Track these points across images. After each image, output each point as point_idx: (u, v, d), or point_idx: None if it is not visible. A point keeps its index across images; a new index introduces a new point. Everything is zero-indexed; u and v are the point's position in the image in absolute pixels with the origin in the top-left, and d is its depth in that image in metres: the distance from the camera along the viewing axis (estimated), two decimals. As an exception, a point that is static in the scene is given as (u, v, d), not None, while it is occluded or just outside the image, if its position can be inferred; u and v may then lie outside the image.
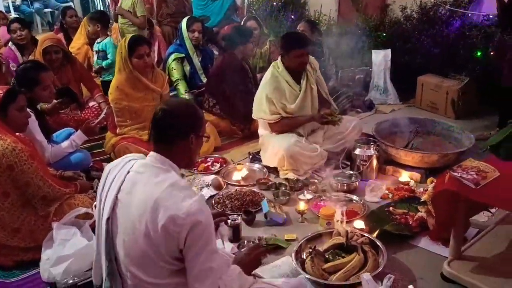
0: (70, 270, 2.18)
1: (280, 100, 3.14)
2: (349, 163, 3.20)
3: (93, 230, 2.42)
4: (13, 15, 8.04)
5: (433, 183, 2.37)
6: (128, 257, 1.60)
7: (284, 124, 3.18)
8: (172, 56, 4.23)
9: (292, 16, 5.41)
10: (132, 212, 1.58)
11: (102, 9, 8.79)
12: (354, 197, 2.83)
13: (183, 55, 4.25)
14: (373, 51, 4.51)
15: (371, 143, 3.12)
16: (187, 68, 4.28)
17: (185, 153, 1.68)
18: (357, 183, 2.96)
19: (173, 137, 1.65)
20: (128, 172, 1.65)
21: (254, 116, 3.30)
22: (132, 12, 4.80)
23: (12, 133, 2.37)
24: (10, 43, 4.30)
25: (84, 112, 4.07)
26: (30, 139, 2.66)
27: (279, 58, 3.26)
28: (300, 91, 3.18)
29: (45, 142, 2.94)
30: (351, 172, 3.07)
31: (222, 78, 3.85)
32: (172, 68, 4.21)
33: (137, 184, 1.61)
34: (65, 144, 3.07)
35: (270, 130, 3.24)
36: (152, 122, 1.68)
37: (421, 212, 2.51)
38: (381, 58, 4.48)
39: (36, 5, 9.02)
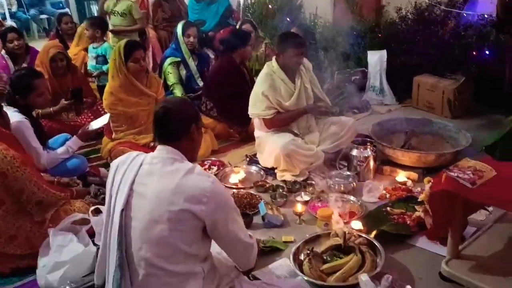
0: (67, 276, 2.16)
1: (276, 97, 3.15)
2: (346, 164, 3.19)
3: (90, 236, 2.42)
4: (9, 21, 8.04)
5: (430, 183, 2.36)
6: (146, 244, 1.66)
7: (279, 119, 3.20)
8: (168, 60, 4.23)
9: (288, 19, 5.41)
10: (150, 201, 1.66)
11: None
12: (352, 198, 2.82)
13: (179, 59, 4.26)
14: (368, 52, 4.52)
15: (368, 144, 3.12)
16: (183, 72, 4.28)
17: (190, 145, 1.81)
18: (354, 183, 2.95)
19: (177, 131, 1.77)
20: (141, 165, 1.74)
21: (250, 113, 3.30)
22: (127, 14, 4.80)
23: (3, 140, 2.36)
24: (3, 52, 4.28)
25: (80, 117, 4.07)
26: (24, 145, 2.65)
27: (274, 58, 3.28)
28: (295, 89, 3.20)
29: (40, 148, 2.92)
30: (348, 173, 3.06)
31: (220, 82, 3.85)
32: (168, 72, 4.21)
33: (153, 174, 1.70)
34: (60, 150, 3.06)
35: (265, 129, 3.24)
36: (154, 121, 1.80)
37: (419, 211, 2.50)
38: (376, 59, 4.49)
39: (32, 11, 9.02)
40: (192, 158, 1.85)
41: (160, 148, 1.77)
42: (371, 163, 3.07)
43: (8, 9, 8.84)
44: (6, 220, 2.30)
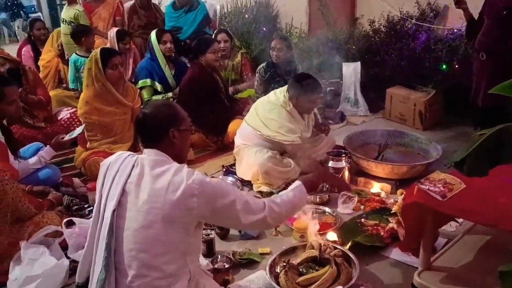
0: (39, 290, 2.12)
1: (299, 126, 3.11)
2: (321, 175, 3.22)
3: (63, 248, 2.38)
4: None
5: (403, 195, 2.43)
6: (141, 244, 1.65)
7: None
8: (140, 83, 4.18)
9: (264, 29, 5.47)
10: (143, 201, 1.67)
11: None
12: (327, 209, 2.86)
13: (149, 83, 4.20)
14: (343, 63, 4.60)
15: (343, 155, 3.17)
16: (160, 85, 4.25)
17: (172, 148, 1.80)
18: (329, 195, 2.99)
19: (156, 135, 1.79)
20: (133, 166, 1.74)
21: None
22: (75, 23, 4.73)
23: None
24: None
25: (53, 125, 3.99)
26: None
27: (287, 96, 3.13)
28: (306, 127, 3.21)
29: (11, 158, 2.86)
30: (323, 184, 3.09)
31: (191, 88, 3.82)
32: (142, 90, 4.17)
33: (145, 175, 1.71)
34: (32, 160, 2.99)
35: (248, 141, 3.24)
36: (135, 125, 1.88)
37: (392, 223, 2.56)
38: (351, 70, 4.57)
39: (2, 15, 8.83)
40: (179, 159, 1.84)
41: (146, 151, 1.80)
42: (346, 174, 3.12)
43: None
44: None
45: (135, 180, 1.71)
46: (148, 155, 1.78)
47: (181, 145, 1.84)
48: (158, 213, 1.64)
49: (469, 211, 1.92)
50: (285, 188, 3.04)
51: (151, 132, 1.81)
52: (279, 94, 3.22)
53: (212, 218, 1.80)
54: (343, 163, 3.12)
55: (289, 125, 3.07)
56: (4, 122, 3.08)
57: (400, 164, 3.13)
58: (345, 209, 2.88)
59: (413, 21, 4.49)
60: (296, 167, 3.15)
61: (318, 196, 2.95)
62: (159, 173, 1.70)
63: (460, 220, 2.57)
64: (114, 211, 1.69)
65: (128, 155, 1.81)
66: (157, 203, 1.65)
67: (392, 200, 2.90)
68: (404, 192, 2.40)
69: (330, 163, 3.13)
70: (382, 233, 2.54)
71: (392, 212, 2.63)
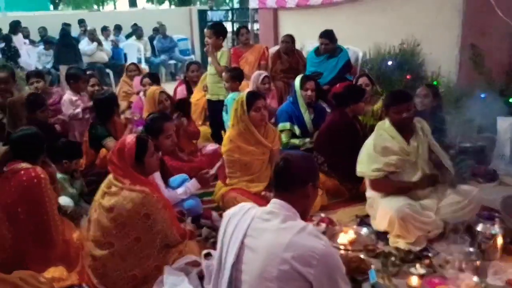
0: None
1: (385, 159, 3.06)
2: (468, 239, 2.91)
3: (200, 278, 2.49)
4: (143, 65, 9.02)
5: None
6: None
7: (384, 184, 3.11)
8: (280, 127, 4.32)
9: (408, 76, 5.28)
10: (261, 256, 1.66)
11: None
12: (475, 278, 2.54)
13: (288, 126, 4.33)
14: (498, 117, 4.19)
15: (496, 219, 2.82)
16: (299, 130, 4.33)
17: (303, 201, 1.79)
18: (478, 262, 2.67)
19: (293, 185, 1.77)
20: (253, 218, 1.74)
21: (357, 170, 3.27)
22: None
23: (150, 183, 2.55)
24: (141, 94, 4.76)
25: (198, 159, 4.30)
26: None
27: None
28: (408, 150, 3.08)
29: (163, 186, 3.13)
30: (471, 249, 2.78)
31: (331, 136, 3.83)
32: (281, 132, 4.30)
33: (265, 230, 1.69)
34: (180, 190, 3.25)
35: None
36: (274, 171, 1.84)
37: (559, 308, 2.17)
38: (507, 125, 4.14)
39: (162, 57, 10.06)
40: (303, 215, 1.82)
41: (274, 201, 1.78)
42: (499, 241, 2.76)
43: (144, 54, 10.01)
44: (138, 257, 2.45)
45: (254, 234, 1.70)
46: (273, 208, 1.75)
47: (311, 201, 1.84)
48: (273, 271, 1.61)
49: None
50: (425, 248, 2.86)
51: (291, 180, 1.78)
52: None
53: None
54: (496, 229, 2.77)
55: (372, 156, 3.09)
56: (159, 153, 3.43)
57: None
58: (496, 280, 2.54)
59: None
60: (437, 222, 2.90)
61: (465, 262, 2.64)
62: (281, 229, 1.66)
63: None
64: (233, 264, 1.70)
65: (249, 208, 1.81)
66: (273, 261, 1.62)
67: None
68: None
69: (481, 227, 2.80)
70: (545, 318, 2.17)
71: (559, 295, 2.24)
